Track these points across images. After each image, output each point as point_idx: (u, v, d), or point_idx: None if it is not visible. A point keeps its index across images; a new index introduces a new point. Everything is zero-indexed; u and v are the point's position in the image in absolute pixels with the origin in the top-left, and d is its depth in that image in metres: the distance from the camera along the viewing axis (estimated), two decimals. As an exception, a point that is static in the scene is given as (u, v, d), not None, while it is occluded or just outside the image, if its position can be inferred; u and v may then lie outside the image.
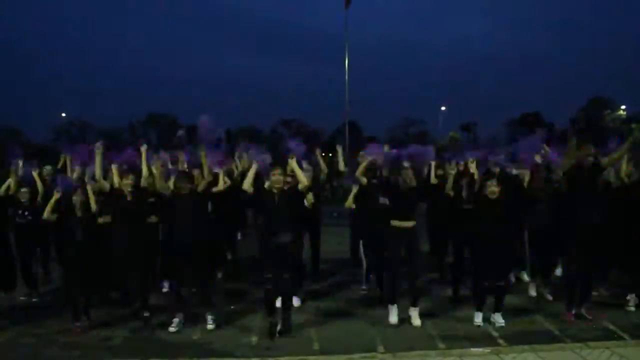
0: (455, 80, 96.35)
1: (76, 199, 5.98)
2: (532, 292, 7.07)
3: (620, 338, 5.53)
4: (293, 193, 5.88)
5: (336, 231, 9.61)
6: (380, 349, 5.37)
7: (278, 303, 5.91)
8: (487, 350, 5.24)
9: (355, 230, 7.69)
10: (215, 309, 6.12)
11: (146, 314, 6.03)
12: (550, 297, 6.91)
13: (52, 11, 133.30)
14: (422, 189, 6.12)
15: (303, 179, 5.86)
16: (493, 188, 5.84)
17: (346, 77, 24.80)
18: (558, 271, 7.52)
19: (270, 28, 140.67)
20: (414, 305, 6.09)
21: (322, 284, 7.88)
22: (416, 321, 6.02)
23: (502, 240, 5.90)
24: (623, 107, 50.98)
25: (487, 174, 6.35)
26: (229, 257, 8.46)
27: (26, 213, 7.14)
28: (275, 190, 5.75)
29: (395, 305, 6.12)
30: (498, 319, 5.95)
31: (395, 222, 6.03)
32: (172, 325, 5.89)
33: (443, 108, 58.54)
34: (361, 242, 7.40)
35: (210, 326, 5.96)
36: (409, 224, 6.02)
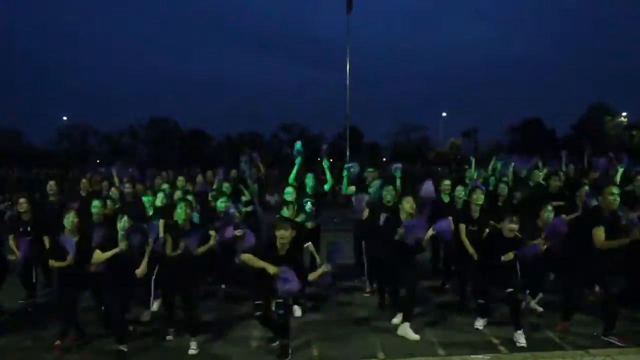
0: (456, 86, 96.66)
1: (70, 221, 5.69)
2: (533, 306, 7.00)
3: (621, 345, 5.49)
4: (296, 244, 5.60)
5: (336, 237, 9.57)
6: (380, 355, 5.35)
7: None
8: (487, 357, 5.23)
9: (358, 236, 7.84)
10: (198, 336, 5.74)
11: (123, 349, 5.43)
12: (539, 309, 6.79)
13: (53, 11, 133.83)
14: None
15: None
16: (512, 226, 5.76)
17: (347, 82, 24.80)
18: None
19: (271, 33, 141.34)
20: (407, 320, 5.90)
21: (323, 293, 7.83)
22: (412, 335, 5.79)
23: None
24: (624, 113, 51.03)
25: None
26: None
27: (28, 229, 7.00)
28: (279, 245, 5.30)
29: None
30: (520, 339, 5.59)
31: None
32: (168, 335, 5.88)
33: (444, 114, 58.73)
34: (363, 245, 7.53)
35: (192, 351, 5.50)
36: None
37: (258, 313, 5.39)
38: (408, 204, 6.02)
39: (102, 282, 5.55)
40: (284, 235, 5.25)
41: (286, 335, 5.35)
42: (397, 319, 6.18)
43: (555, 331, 5.95)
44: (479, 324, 6.13)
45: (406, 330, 5.84)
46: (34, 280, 7.22)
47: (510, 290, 5.70)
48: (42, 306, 7.12)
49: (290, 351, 5.34)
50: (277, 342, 5.45)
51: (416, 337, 5.76)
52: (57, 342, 5.49)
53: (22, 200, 7.12)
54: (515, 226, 5.77)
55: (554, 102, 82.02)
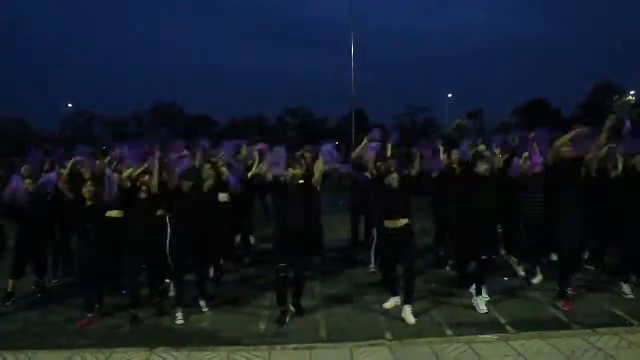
0: (461, 67, 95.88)
1: (87, 190, 5.95)
2: (521, 272, 7.22)
3: (629, 324, 5.50)
4: (308, 186, 5.95)
5: (344, 219, 9.60)
6: (388, 336, 5.37)
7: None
8: (495, 337, 5.23)
9: (355, 211, 8.20)
10: (207, 297, 6.33)
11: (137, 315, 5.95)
12: (534, 281, 6.99)
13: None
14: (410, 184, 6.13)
15: (317, 175, 6.03)
16: (485, 166, 6.06)
17: (352, 64, 24.79)
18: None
19: (277, 17, 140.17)
20: (407, 303, 5.87)
21: (330, 272, 7.89)
22: (410, 319, 5.75)
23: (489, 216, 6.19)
24: (632, 92, 50.52)
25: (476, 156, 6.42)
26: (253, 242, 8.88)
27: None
28: (292, 185, 5.77)
29: (397, 298, 6.15)
30: (481, 305, 6.03)
31: (387, 223, 6.00)
32: (178, 318, 5.90)
33: (450, 95, 58.43)
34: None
35: (205, 309, 6.19)
36: (401, 223, 5.95)
37: (282, 274, 5.72)
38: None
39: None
40: (295, 173, 5.72)
41: (301, 293, 6.05)
42: (389, 304, 6.17)
43: (562, 309, 5.95)
44: (483, 306, 6.05)
45: (407, 314, 5.80)
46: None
47: (485, 257, 6.03)
48: (53, 292, 7.16)
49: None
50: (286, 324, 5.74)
51: (413, 321, 5.71)
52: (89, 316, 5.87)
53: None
54: (486, 166, 6.06)
55: (562, 82, 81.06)
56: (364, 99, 77.15)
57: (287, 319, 5.80)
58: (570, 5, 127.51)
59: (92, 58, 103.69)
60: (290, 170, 5.75)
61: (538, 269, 7.06)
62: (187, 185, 6.02)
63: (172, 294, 6.49)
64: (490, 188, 6.11)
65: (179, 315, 5.90)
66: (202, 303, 6.25)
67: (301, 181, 5.84)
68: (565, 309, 5.91)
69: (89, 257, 5.96)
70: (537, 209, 6.79)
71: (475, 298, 6.13)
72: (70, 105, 56.13)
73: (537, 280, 7.00)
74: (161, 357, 4.98)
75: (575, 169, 6.11)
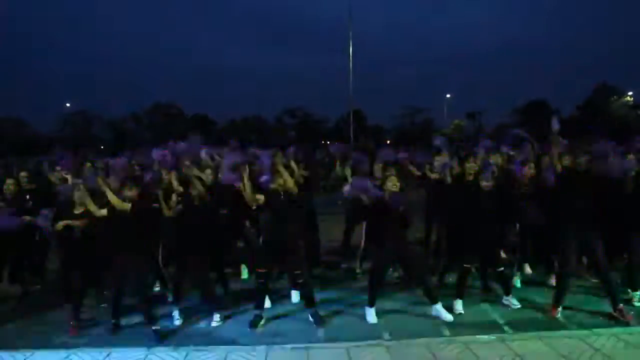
0: (461, 68, 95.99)
1: (76, 194, 5.82)
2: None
3: (626, 324, 5.48)
4: (291, 194, 5.86)
5: (341, 219, 9.59)
6: (386, 336, 5.38)
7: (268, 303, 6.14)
8: (493, 337, 5.23)
9: (350, 215, 8.32)
10: (222, 306, 6.09)
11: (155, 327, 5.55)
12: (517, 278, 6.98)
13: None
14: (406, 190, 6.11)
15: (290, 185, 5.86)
16: (487, 183, 5.92)
17: (350, 65, 24.84)
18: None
19: (277, 17, 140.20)
20: (434, 303, 5.86)
21: (327, 272, 7.89)
22: (447, 316, 5.77)
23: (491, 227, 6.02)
24: (630, 93, 50.64)
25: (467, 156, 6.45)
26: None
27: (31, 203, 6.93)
28: (280, 190, 5.75)
29: (373, 309, 5.97)
30: (513, 302, 6.12)
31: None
32: (175, 317, 5.91)
33: (448, 95, 58.55)
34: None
35: (215, 323, 5.82)
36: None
37: (261, 281, 5.80)
38: (390, 183, 5.94)
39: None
40: (280, 183, 5.72)
41: (313, 303, 5.85)
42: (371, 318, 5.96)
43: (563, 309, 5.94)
44: (459, 307, 6.04)
45: (367, 315, 5.85)
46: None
47: (501, 269, 6.05)
48: (53, 291, 7.15)
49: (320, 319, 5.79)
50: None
51: (374, 321, 5.75)
52: (72, 323, 5.67)
53: (9, 181, 6.98)
54: (489, 183, 5.93)
55: (560, 82, 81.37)
56: (362, 99, 77.25)
57: (262, 322, 5.78)
58: (574, 7, 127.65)
59: (91, 58, 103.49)
60: (278, 181, 5.75)
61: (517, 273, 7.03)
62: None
63: (170, 300, 6.45)
64: (490, 201, 5.95)
65: (177, 314, 5.91)
66: (216, 316, 5.91)
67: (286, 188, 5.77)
68: (551, 313, 5.84)
69: (72, 263, 5.86)
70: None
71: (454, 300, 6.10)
72: (68, 104, 56.09)
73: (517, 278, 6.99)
74: (159, 356, 4.98)
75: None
